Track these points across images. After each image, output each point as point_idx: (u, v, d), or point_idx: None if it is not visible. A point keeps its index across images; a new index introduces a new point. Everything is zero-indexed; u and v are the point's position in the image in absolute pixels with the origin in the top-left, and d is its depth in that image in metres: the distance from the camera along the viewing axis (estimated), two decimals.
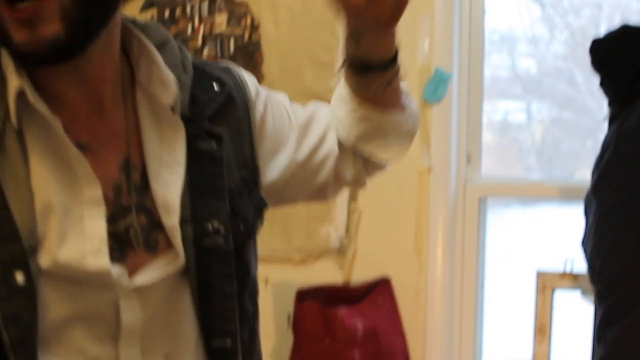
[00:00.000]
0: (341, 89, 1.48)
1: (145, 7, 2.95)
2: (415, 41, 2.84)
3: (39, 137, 1.17)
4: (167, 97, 1.26)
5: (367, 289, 2.89)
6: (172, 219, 1.24)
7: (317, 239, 2.95)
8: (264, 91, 1.47)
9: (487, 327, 2.99)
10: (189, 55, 1.36)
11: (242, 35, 2.93)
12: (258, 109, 1.43)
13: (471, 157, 2.93)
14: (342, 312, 2.75)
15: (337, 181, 1.54)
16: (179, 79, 1.29)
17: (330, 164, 1.51)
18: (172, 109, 1.27)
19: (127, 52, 1.30)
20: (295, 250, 2.97)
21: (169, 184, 1.25)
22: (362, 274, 2.93)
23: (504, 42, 3.26)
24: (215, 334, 1.29)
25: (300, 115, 1.51)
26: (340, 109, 1.48)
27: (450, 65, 2.86)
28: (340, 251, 2.94)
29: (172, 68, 1.29)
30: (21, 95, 1.14)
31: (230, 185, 1.32)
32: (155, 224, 1.24)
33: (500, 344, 3.09)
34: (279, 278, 2.96)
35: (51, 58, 1.14)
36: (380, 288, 2.87)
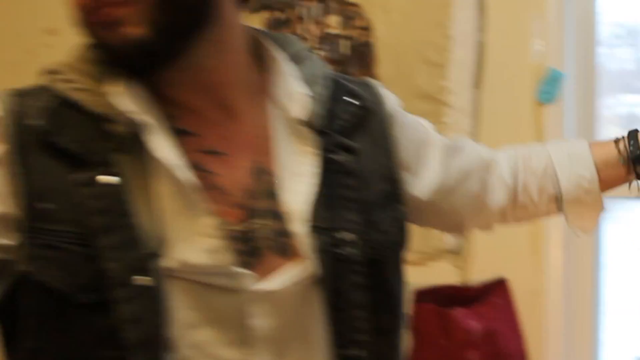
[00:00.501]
0: (587, 165, 1.52)
1: (257, 9, 2.98)
2: (527, 42, 2.80)
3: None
4: (297, 111, 1.29)
5: (484, 290, 2.85)
6: (296, 226, 1.26)
7: (433, 240, 2.93)
8: (402, 110, 1.50)
9: (606, 327, 2.93)
10: (329, 70, 1.40)
11: (355, 37, 2.93)
12: (397, 124, 1.45)
13: None
14: (459, 312, 2.73)
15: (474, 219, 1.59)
16: (317, 92, 1.32)
17: (469, 200, 1.54)
18: (306, 122, 1.30)
19: (260, 62, 1.34)
20: (411, 251, 2.94)
21: (295, 193, 1.28)
22: (478, 274, 2.89)
23: (630, 35, 3.19)
24: (344, 344, 1.29)
25: (444, 139, 1.54)
26: (572, 178, 1.52)
27: (563, 65, 2.80)
28: (457, 252, 2.92)
29: (311, 81, 1.33)
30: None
31: (368, 197, 1.34)
32: (288, 230, 1.27)
33: (620, 344, 3.03)
34: None
35: (138, 58, 1.19)
36: (497, 289, 2.83)
